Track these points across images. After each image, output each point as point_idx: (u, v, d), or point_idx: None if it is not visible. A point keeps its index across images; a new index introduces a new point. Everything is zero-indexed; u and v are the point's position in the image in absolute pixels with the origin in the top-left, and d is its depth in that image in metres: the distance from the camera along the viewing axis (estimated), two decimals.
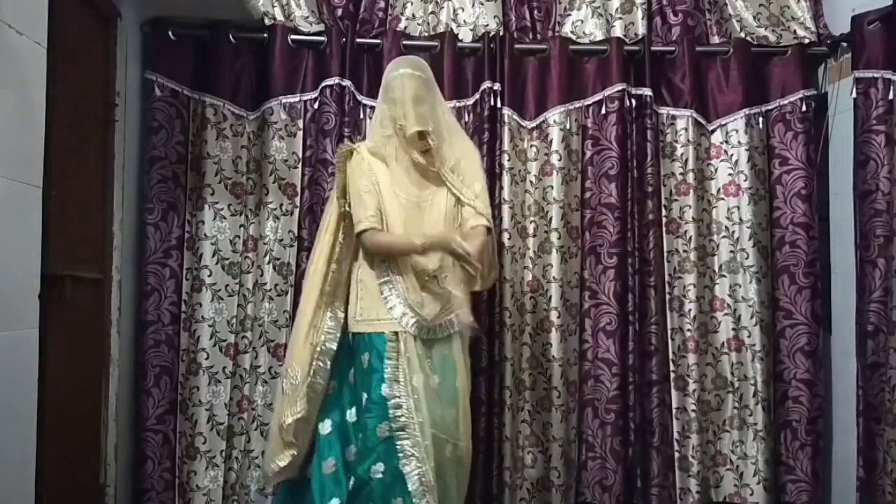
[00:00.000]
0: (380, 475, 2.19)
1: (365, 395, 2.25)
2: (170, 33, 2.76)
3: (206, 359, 2.79)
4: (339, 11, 2.92)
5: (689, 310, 2.88)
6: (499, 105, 2.84)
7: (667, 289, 2.88)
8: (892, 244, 2.58)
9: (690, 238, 2.89)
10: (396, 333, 2.26)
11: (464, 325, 2.36)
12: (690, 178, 2.91)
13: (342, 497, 2.26)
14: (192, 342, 2.79)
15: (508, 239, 2.83)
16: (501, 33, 2.90)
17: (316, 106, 2.84)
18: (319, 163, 2.80)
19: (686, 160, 2.91)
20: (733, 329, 2.89)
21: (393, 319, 2.27)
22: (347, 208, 2.34)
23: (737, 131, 2.92)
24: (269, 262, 2.80)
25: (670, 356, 2.87)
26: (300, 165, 2.85)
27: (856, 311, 2.63)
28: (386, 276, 2.30)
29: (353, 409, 2.33)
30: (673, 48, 2.94)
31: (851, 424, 2.65)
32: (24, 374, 1.86)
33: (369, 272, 2.32)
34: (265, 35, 2.84)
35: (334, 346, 2.36)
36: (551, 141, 2.88)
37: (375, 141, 2.37)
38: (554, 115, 2.88)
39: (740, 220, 2.90)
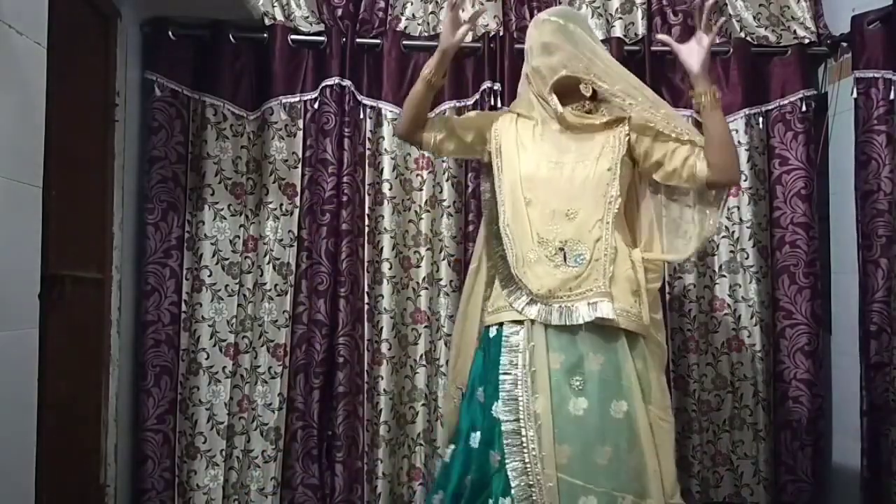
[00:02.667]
0: None
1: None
2: (170, 33, 2.76)
3: (206, 359, 2.79)
4: (339, 11, 2.92)
5: (689, 310, 2.88)
6: (499, 105, 2.84)
7: (666, 289, 2.88)
8: (895, 244, 2.58)
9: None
10: (520, 324, 1.76)
11: (605, 316, 1.75)
12: None
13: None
14: (192, 342, 2.79)
15: None
16: (501, 33, 2.90)
17: (316, 106, 2.83)
18: (319, 163, 2.80)
19: None
20: (733, 329, 2.89)
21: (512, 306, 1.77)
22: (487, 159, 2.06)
23: (737, 131, 2.91)
24: (269, 262, 2.80)
25: (670, 356, 2.87)
26: (300, 165, 2.85)
27: (859, 312, 2.62)
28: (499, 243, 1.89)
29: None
30: None
31: (852, 424, 2.65)
32: (24, 374, 1.86)
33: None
34: (265, 35, 2.84)
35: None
36: None
37: (517, 103, 2.11)
38: None
39: (740, 220, 2.90)
